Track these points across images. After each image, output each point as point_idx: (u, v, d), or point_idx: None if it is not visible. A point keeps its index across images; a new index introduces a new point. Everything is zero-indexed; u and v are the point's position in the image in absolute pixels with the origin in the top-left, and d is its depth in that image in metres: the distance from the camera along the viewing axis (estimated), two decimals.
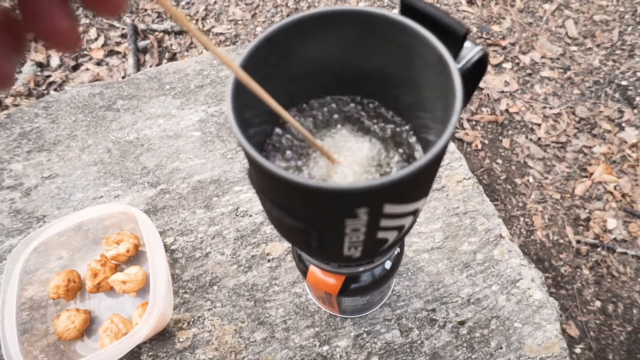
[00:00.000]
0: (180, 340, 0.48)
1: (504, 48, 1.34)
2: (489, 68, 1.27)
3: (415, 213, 0.22)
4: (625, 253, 0.96)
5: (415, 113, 0.24)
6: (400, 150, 0.25)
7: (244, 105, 0.19)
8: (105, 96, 0.75)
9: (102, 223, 0.54)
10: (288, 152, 0.24)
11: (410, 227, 0.24)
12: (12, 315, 0.46)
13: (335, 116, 0.26)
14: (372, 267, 0.30)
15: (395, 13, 0.20)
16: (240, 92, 0.18)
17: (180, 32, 1.33)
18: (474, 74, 0.22)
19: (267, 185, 0.19)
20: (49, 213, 0.60)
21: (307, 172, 0.24)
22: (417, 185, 0.18)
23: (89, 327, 0.50)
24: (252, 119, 0.21)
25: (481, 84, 1.23)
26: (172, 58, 1.29)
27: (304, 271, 0.36)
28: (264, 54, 0.20)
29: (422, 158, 0.15)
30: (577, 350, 0.85)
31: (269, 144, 0.25)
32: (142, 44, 1.31)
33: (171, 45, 1.31)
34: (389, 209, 0.18)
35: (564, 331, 0.89)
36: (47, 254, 0.53)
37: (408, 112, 0.25)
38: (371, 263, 0.29)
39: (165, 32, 1.34)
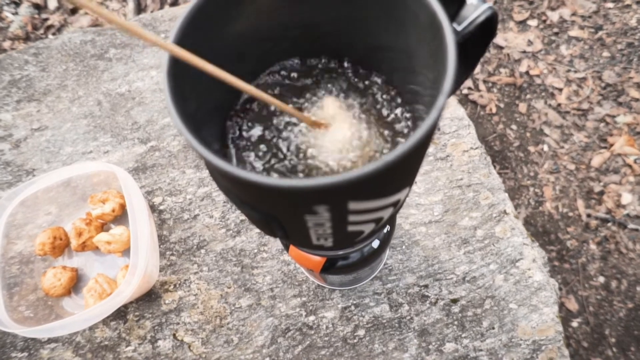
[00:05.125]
0: (166, 302, 0.48)
1: (531, 3, 1.22)
2: (512, 25, 1.17)
3: (395, 205, 0.19)
4: (637, 230, 0.92)
5: (405, 80, 0.21)
6: (391, 118, 0.21)
7: (187, 88, 0.16)
8: (97, 44, 0.71)
9: (90, 180, 0.53)
10: (259, 129, 0.21)
11: (393, 217, 0.21)
12: None
13: (308, 81, 0.22)
14: (353, 250, 0.28)
15: None
16: (179, 76, 0.15)
17: None
18: (478, 38, 0.18)
19: (215, 175, 0.16)
20: (38, 167, 0.58)
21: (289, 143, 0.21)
22: (389, 181, 0.15)
23: (77, 284, 0.50)
24: (201, 101, 0.17)
25: (502, 43, 1.14)
26: (175, 3, 1.22)
27: (287, 245, 0.34)
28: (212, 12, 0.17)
29: (391, 153, 0.12)
30: (574, 324, 0.85)
31: (236, 124, 0.22)
32: None
33: None
34: (355, 205, 0.15)
35: (562, 305, 0.88)
36: (35, 209, 0.52)
37: (397, 78, 0.21)
38: (351, 248, 0.27)
39: None
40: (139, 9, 1.21)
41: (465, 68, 0.19)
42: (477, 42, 0.18)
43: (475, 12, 0.17)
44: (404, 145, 0.12)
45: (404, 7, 0.16)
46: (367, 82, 0.21)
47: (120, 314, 0.48)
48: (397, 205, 0.19)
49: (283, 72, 0.22)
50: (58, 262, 0.51)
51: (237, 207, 0.18)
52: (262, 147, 0.20)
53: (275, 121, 0.20)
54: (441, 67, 0.14)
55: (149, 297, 0.48)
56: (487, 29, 0.17)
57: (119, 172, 0.46)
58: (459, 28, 0.17)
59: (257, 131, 0.20)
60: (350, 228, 0.18)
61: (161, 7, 1.21)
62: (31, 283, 0.49)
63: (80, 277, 0.50)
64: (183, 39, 0.16)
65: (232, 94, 0.21)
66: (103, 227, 0.51)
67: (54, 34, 1.17)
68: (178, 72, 0.15)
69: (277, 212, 0.16)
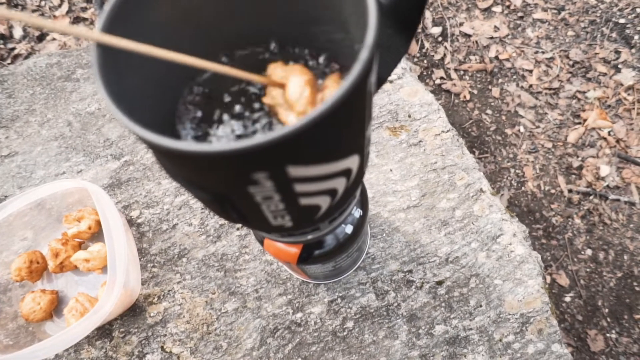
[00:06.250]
0: (151, 314, 0.47)
1: None
2: (477, 13, 1.20)
3: (346, 174, 0.19)
4: (618, 200, 0.94)
5: (344, 50, 0.21)
6: None
7: (123, 74, 0.16)
8: (63, 66, 0.70)
9: (65, 200, 0.52)
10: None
11: (349, 190, 0.21)
12: None
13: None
14: (323, 234, 0.28)
15: None
16: (112, 62, 0.15)
17: None
18: (409, 2, 0.18)
19: (156, 155, 0.16)
20: (10, 193, 0.57)
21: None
22: (325, 141, 0.14)
23: (58, 307, 0.49)
24: (141, 87, 0.17)
25: (469, 31, 1.16)
26: None
27: (261, 241, 0.34)
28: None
29: (316, 108, 0.12)
30: (567, 299, 0.85)
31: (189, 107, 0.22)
32: None
33: None
34: (296, 171, 0.15)
35: (553, 281, 0.89)
36: (10, 235, 0.51)
37: (336, 49, 0.21)
38: (318, 231, 0.27)
39: None
40: None
41: (403, 34, 0.20)
42: (409, 6, 0.18)
43: None
44: (328, 100, 0.12)
45: None
46: (307, 58, 0.22)
47: (105, 332, 0.47)
48: (349, 177, 0.19)
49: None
50: (37, 287, 0.50)
51: (186, 189, 0.18)
52: (216, 128, 0.20)
53: (227, 99, 0.20)
54: (364, 24, 0.14)
55: (133, 312, 0.47)
56: None
57: (90, 187, 0.46)
58: None
59: (208, 114, 0.20)
60: (303, 201, 0.18)
61: None
62: (10, 311, 0.48)
63: (62, 300, 0.49)
64: (111, 27, 0.16)
65: (177, 78, 0.21)
66: (81, 246, 0.50)
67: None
68: (111, 58, 0.15)
69: (220, 187, 0.16)
